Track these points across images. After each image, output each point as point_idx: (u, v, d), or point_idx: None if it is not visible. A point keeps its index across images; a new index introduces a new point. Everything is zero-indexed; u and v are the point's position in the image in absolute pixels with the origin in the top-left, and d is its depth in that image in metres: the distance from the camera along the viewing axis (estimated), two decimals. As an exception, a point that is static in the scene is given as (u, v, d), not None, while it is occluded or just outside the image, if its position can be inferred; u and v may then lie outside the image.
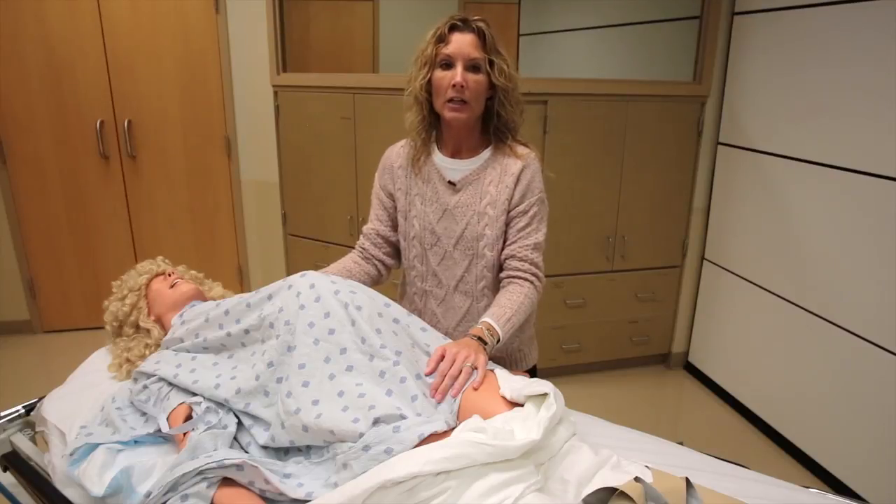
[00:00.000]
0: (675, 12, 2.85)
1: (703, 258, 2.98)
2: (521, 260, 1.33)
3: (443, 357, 1.15)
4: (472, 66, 1.25)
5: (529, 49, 3.34)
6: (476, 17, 1.27)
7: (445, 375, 1.12)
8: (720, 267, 2.85)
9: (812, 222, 2.29)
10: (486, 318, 1.25)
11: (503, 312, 1.27)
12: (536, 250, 1.34)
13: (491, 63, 1.26)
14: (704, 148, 2.84)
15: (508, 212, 1.33)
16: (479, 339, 1.21)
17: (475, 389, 1.10)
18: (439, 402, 1.10)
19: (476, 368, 1.14)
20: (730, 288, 2.78)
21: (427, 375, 1.14)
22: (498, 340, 1.23)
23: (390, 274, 1.54)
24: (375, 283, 1.48)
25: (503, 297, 1.31)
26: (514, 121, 1.34)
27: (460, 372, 1.12)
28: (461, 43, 1.25)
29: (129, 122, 3.16)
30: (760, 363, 2.61)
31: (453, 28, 1.26)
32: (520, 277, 1.33)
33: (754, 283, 2.61)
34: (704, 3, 2.65)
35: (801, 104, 2.31)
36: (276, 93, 2.96)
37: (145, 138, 3.22)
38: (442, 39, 1.26)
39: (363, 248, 1.49)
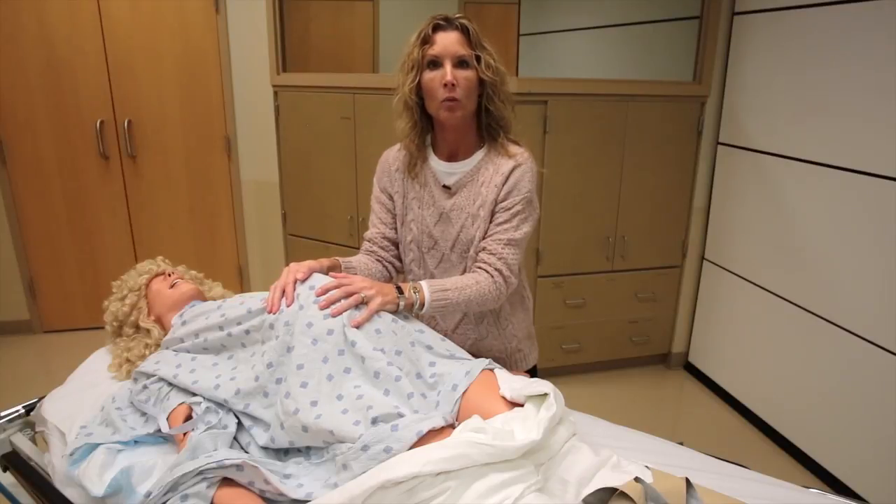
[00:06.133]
0: (675, 12, 2.85)
1: (703, 258, 2.98)
2: (490, 253, 1.30)
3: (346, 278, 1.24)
4: (460, 63, 1.24)
5: (529, 49, 3.34)
6: (458, 15, 1.26)
7: (341, 285, 1.20)
8: (720, 267, 2.85)
9: (812, 222, 2.29)
10: (421, 281, 1.26)
11: (442, 284, 1.26)
12: (510, 246, 1.30)
13: (478, 58, 1.25)
14: (704, 148, 2.84)
15: (494, 210, 1.32)
16: (398, 288, 1.23)
17: (354, 326, 1.15)
18: (322, 309, 1.17)
19: (366, 303, 1.19)
20: (730, 288, 2.78)
21: (328, 289, 1.20)
22: (422, 305, 1.23)
23: (399, 275, 1.53)
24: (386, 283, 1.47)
25: (452, 277, 1.31)
26: (505, 117, 1.33)
27: (351, 295, 1.19)
28: (446, 41, 1.24)
29: (129, 122, 3.16)
30: (760, 363, 2.61)
31: (437, 28, 1.25)
32: (480, 268, 1.31)
33: (754, 283, 2.61)
34: (704, 3, 2.65)
35: (801, 104, 2.31)
36: (276, 93, 2.96)
37: (145, 138, 3.22)
38: (427, 41, 1.25)
39: (371, 252, 1.47)
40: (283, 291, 1.23)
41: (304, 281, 1.25)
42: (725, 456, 1.27)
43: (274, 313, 1.20)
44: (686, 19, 2.75)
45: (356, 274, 1.37)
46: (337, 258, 1.37)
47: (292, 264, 1.27)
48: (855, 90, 2.08)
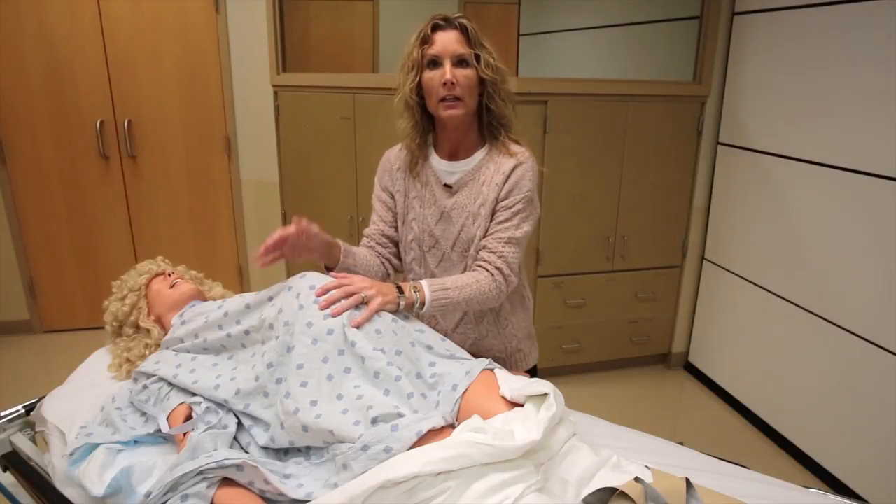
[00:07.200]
0: (675, 12, 2.85)
1: (703, 258, 2.98)
2: (490, 251, 1.30)
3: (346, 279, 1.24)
4: (459, 62, 1.25)
5: (529, 49, 3.34)
6: (458, 14, 1.27)
7: (341, 286, 1.19)
8: (720, 267, 2.85)
9: (812, 222, 2.29)
10: (421, 280, 1.26)
11: (442, 283, 1.27)
12: (510, 244, 1.30)
13: (477, 57, 1.26)
14: (704, 148, 2.84)
15: (494, 209, 1.32)
16: (398, 287, 1.24)
17: (354, 326, 1.15)
18: (322, 309, 1.17)
19: (366, 303, 1.19)
20: (730, 288, 2.78)
21: (328, 289, 1.20)
22: (422, 304, 1.24)
23: (396, 274, 1.53)
24: (383, 280, 1.47)
25: (452, 276, 1.31)
26: (506, 116, 1.33)
27: (351, 295, 1.19)
28: (446, 40, 1.24)
29: (129, 122, 3.16)
30: (760, 363, 2.61)
31: (436, 28, 1.26)
32: (480, 266, 1.31)
33: (754, 283, 2.61)
34: (704, 3, 2.65)
35: (801, 104, 2.31)
36: (276, 93, 2.96)
37: (145, 138, 3.22)
38: (426, 41, 1.26)
39: (369, 247, 1.47)
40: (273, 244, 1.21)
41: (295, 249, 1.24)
42: (725, 456, 1.27)
43: (261, 264, 1.21)
44: (686, 19, 2.75)
45: (355, 260, 1.37)
46: (340, 241, 1.36)
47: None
48: (855, 90, 2.08)
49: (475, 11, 3.27)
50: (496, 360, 1.35)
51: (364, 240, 1.48)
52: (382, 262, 1.47)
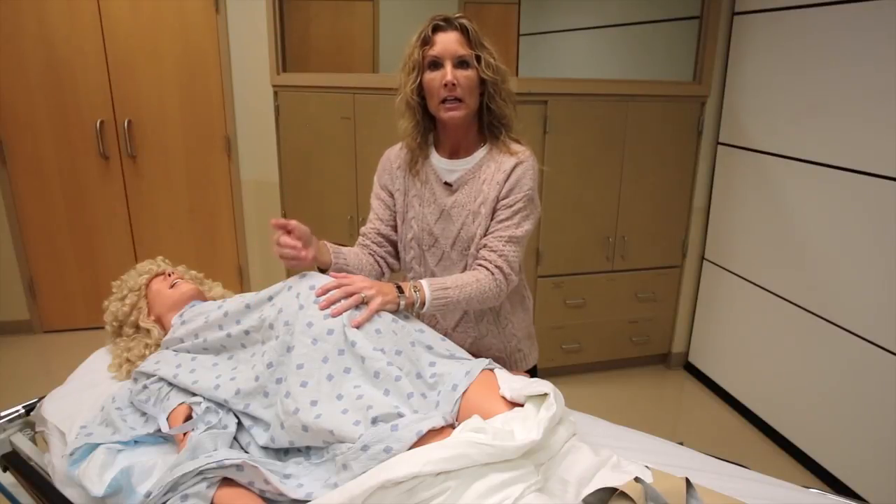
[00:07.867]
0: (675, 12, 2.85)
1: (703, 258, 2.98)
2: (490, 250, 1.30)
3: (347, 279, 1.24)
4: (460, 63, 1.25)
5: (529, 49, 3.34)
6: (458, 15, 1.27)
7: (341, 286, 1.20)
8: (720, 267, 2.85)
9: (812, 222, 2.29)
10: (421, 280, 1.27)
11: (442, 282, 1.27)
12: (511, 243, 1.30)
13: (478, 58, 1.26)
14: (704, 148, 2.84)
15: (495, 207, 1.32)
16: (398, 287, 1.24)
17: (354, 326, 1.15)
18: (322, 309, 1.17)
19: (367, 303, 1.20)
20: (730, 288, 2.78)
21: (328, 289, 1.20)
22: (423, 304, 1.24)
23: (391, 274, 1.53)
24: (378, 279, 1.47)
25: (452, 275, 1.31)
26: (507, 115, 1.33)
27: (351, 295, 1.19)
28: (446, 42, 1.25)
29: (129, 122, 3.16)
30: (760, 363, 2.61)
31: (437, 28, 1.26)
32: (480, 265, 1.31)
33: (754, 283, 2.61)
34: (704, 3, 2.65)
35: (801, 104, 2.31)
36: (276, 93, 2.96)
37: (145, 138, 3.22)
38: (427, 42, 1.26)
39: (364, 245, 1.47)
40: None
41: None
42: (725, 456, 1.27)
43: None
44: (686, 19, 2.75)
45: (346, 259, 1.37)
46: (326, 242, 1.34)
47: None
48: (855, 90, 2.08)
49: (475, 11, 3.27)
50: (496, 359, 1.35)
51: (360, 238, 1.48)
52: (376, 261, 1.46)
